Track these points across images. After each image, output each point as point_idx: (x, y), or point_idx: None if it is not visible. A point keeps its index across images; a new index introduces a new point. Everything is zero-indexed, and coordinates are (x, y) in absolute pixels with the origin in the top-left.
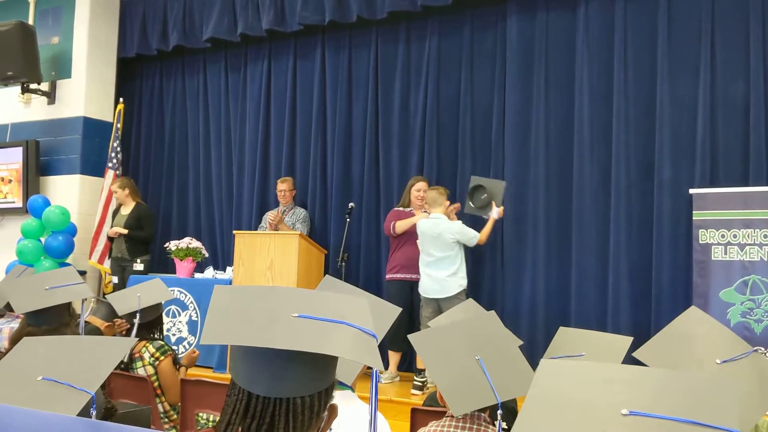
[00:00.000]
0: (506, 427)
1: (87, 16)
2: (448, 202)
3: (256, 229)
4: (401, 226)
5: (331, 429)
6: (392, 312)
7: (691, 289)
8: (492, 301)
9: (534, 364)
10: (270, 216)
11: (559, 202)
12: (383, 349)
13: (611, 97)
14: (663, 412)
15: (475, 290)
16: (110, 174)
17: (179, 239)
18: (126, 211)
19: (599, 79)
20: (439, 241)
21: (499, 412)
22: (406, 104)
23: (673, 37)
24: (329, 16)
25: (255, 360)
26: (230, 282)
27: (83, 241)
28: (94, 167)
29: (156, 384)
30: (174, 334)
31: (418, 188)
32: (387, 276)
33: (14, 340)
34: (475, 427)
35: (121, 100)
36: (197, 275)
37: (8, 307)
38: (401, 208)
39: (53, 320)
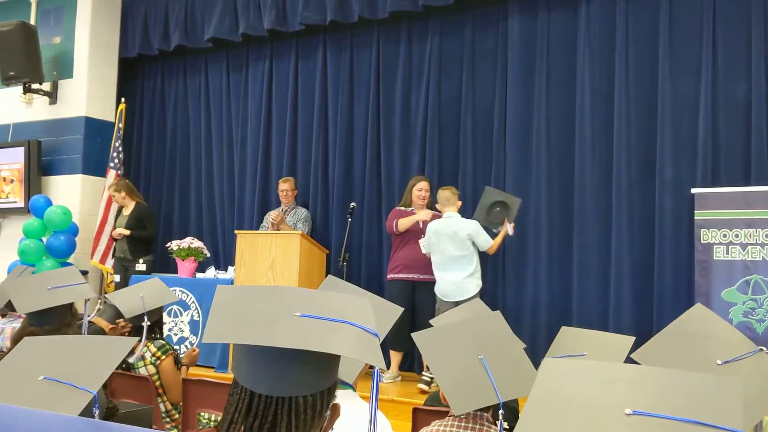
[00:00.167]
0: (507, 427)
1: (89, 16)
2: (460, 203)
3: (257, 229)
4: (404, 223)
5: (332, 428)
6: (394, 312)
7: (693, 288)
8: (493, 300)
9: (536, 364)
10: (272, 216)
11: (560, 202)
12: (385, 348)
13: (613, 96)
14: (666, 411)
15: None
16: (112, 174)
17: (181, 239)
18: (127, 211)
19: (600, 79)
20: (456, 239)
21: (501, 412)
22: (408, 104)
23: (675, 37)
24: (330, 16)
25: (258, 359)
26: (232, 282)
27: (85, 241)
28: (95, 167)
29: (158, 383)
30: (176, 334)
31: (420, 188)
32: (389, 276)
33: (16, 339)
34: (477, 427)
35: (122, 100)
36: (199, 275)
37: (10, 307)
38: (403, 208)
39: (55, 320)
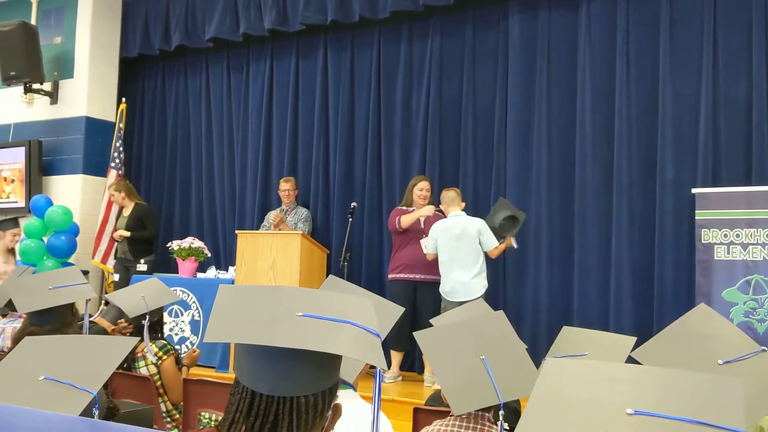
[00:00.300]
0: (508, 428)
1: (89, 16)
2: (464, 204)
3: (258, 229)
4: (406, 220)
5: (334, 428)
6: (395, 312)
7: (694, 288)
8: (494, 301)
9: (536, 365)
10: (272, 217)
11: (561, 202)
12: (386, 348)
13: (613, 96)
14: (668, 411)
15: None
16: (113, 174)
17: (182, 239)
18: (127, 212)
19: (601, 79)
20: (464, 237)
21: (501, 413)
22: (409, 104)
23: (676, 36)
24: (331, 16)
25: (259, 359)
26: (233, 282)
27: (86, 241)
28: (96, 167)
29: (158, 383)
30: (176, 334)
31: (421, 187)
32: (390, 276)
33: (17, 339)
34: (479, 427)
35: (123, 99)
36: (200, 275)
37: (11, 307)
38: (404, 207)
39: (56, 320)
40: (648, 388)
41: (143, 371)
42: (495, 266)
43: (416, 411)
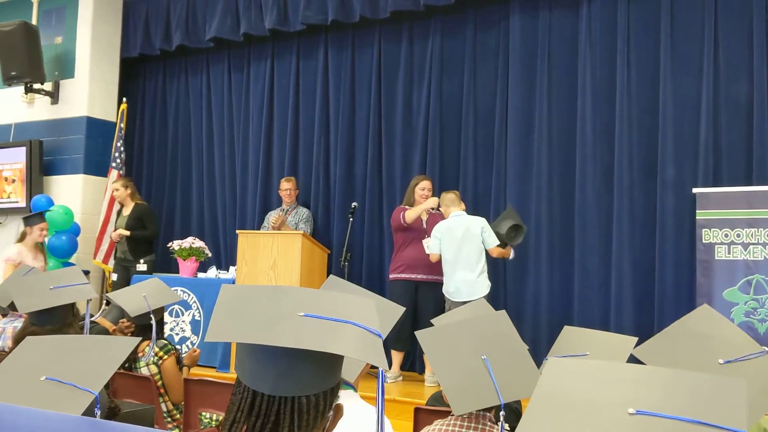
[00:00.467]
0: (509, 428)
1: (90, 16)
2: (463, 205)
3: (258, 229)
4: (411, 214)
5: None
6: (396, 311)
7: (695, 288)
8: (495, 301)
9: (537, 365)
10: (272, 218)
11: (561, 202)
12: (386, 348)
13: (614, 96)
14: (670, 411)
15: None
16: (114, 174)
17: (182, 239)
18: (126, 212)
19: (602, 79)
20: (468, 235)
21: (502, 413)
22: (409, 103)
23: (676, 37)
24: (332, 16)
25: (261, 358)
26: (234, 281)
27: (87, 241)
28: (97, 167)
29: (159, 383)
30: (177, 334)
31: (422, 187)
32: (391, 275)
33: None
34: (480, 427)
35: (124, 99)
36: (200, 275)
37: (11, 306)
38: (406, 207)
39: (57, 320)
40: (650, 388)
41: (144, 371)
42: (495, 266)
43: (417, 411)
